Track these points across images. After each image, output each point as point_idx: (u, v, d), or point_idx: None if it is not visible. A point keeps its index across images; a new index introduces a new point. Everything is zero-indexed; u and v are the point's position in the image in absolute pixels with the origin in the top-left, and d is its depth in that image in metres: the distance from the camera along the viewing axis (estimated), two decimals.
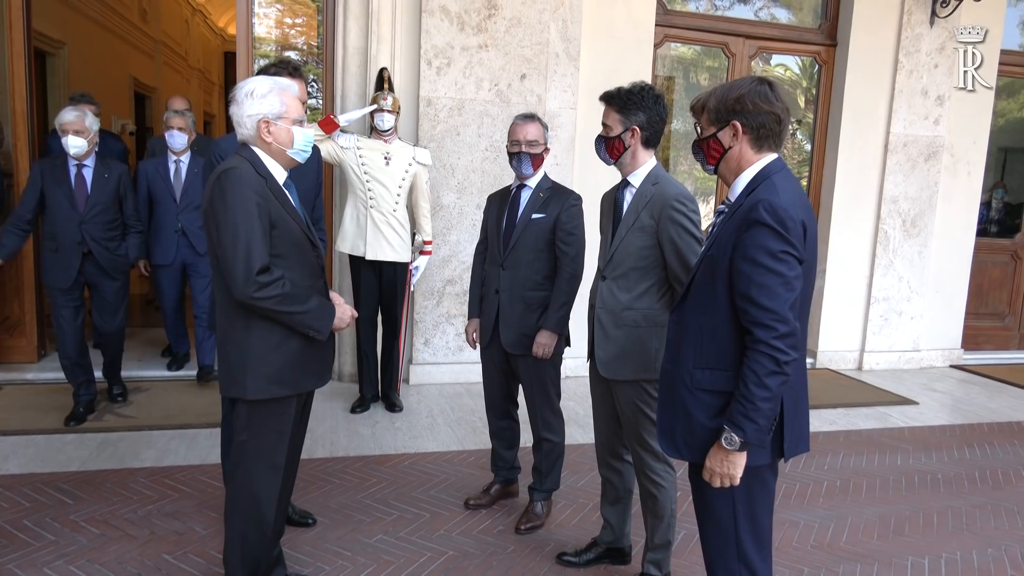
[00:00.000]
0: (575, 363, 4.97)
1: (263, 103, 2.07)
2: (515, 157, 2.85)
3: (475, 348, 3.11)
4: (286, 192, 2.14)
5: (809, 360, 5.94)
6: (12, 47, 4.50)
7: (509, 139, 2.87)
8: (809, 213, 1.70)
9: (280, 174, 2.15)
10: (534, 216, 2.84)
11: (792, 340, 1.61)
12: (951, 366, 6.20)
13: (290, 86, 2.16)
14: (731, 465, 1.68)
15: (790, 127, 6.54)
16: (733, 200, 1.75)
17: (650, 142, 2.40)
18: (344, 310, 2.24)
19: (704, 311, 1.75)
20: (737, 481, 1.70)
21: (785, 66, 6.21)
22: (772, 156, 1.75)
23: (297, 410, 2.22)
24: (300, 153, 2.15)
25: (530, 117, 2.87)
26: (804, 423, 1.82)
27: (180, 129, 4.42)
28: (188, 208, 4.44)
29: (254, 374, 2.06)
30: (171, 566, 2.58)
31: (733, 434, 1.65)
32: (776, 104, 1.70)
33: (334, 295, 2.29)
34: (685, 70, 5.85)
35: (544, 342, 2.81)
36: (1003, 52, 5.97)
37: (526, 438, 3.14)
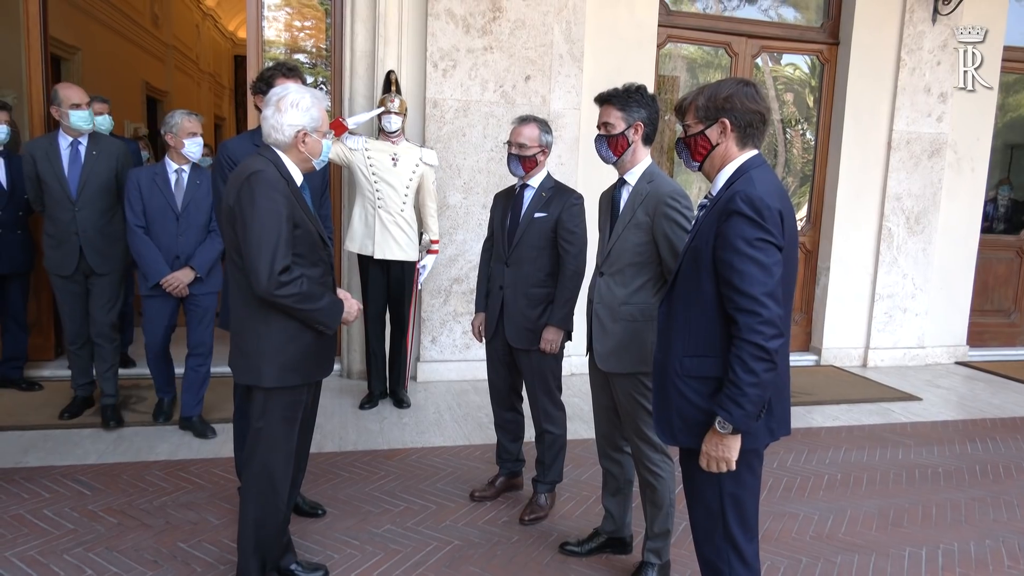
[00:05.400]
0: (581, 360, 5.04)
1: (306, 115, 2.18)
2: (508, 158, 2.95)
3: (481, 342, 3.19)
4: (303, 193, 2.25)
5: (814, 357, 5.97)
6: (30, 53, 4.62)
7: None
8: (786, 203, 1.77)
9: (298, 176, 2.26)
10: (536, 215, 2.91)
11: (775, 325, 1.66)
12: (956, 363, 6.21)
13: (324, 99, 2.27)
14: (725, 449, 1.74)
15: (799, 127, 6.48)
16: (715, 194, 1.83)
17: (649, 139, 2.49)
18: (351, 304, 2.36)
19: (690, 300, 1.82)
20: (733, 465, 1.75)
21: (795, 65, 6.23)
22: (753, 152, 1.83)
23: (308, 399, 2.33)
24: (321, 163, 2.30)
25: (525, 120, 2.95)
26: (787, 406, 1.89)
27: (200, 135, 3.68)
28: (191, 229, 3.66)
29: (271, 363, 2.18)
30: (186, 553, 2.67)
31: (723, 418, 1.71)
32: (760, 104, 1.80)
33: (341, 291, 2.38)
34: (688, 70, 5.90)
35: (551, 338, 2.89)
36: (1007, 48, 5.97)
37: (530, 433, 3.20)
